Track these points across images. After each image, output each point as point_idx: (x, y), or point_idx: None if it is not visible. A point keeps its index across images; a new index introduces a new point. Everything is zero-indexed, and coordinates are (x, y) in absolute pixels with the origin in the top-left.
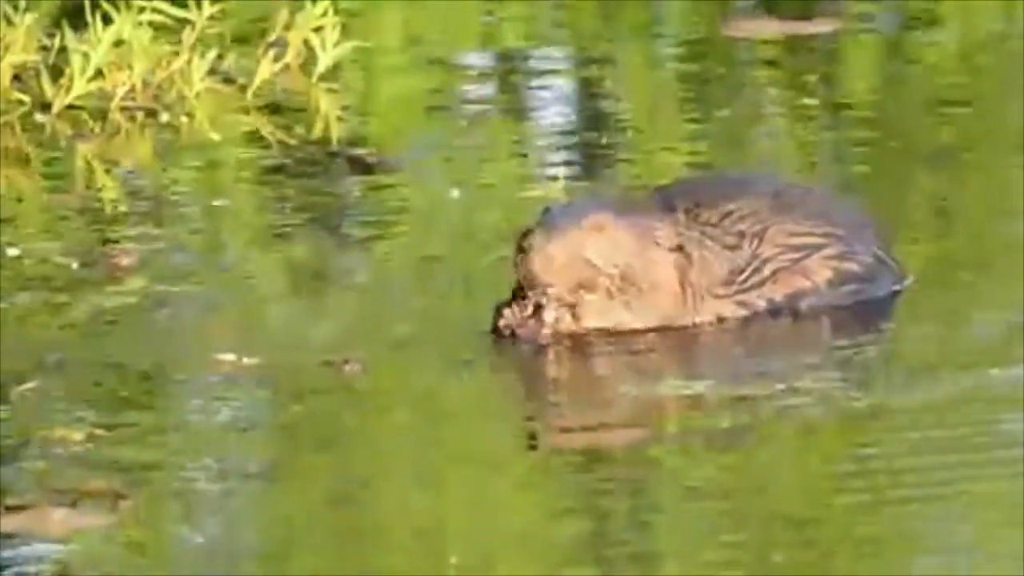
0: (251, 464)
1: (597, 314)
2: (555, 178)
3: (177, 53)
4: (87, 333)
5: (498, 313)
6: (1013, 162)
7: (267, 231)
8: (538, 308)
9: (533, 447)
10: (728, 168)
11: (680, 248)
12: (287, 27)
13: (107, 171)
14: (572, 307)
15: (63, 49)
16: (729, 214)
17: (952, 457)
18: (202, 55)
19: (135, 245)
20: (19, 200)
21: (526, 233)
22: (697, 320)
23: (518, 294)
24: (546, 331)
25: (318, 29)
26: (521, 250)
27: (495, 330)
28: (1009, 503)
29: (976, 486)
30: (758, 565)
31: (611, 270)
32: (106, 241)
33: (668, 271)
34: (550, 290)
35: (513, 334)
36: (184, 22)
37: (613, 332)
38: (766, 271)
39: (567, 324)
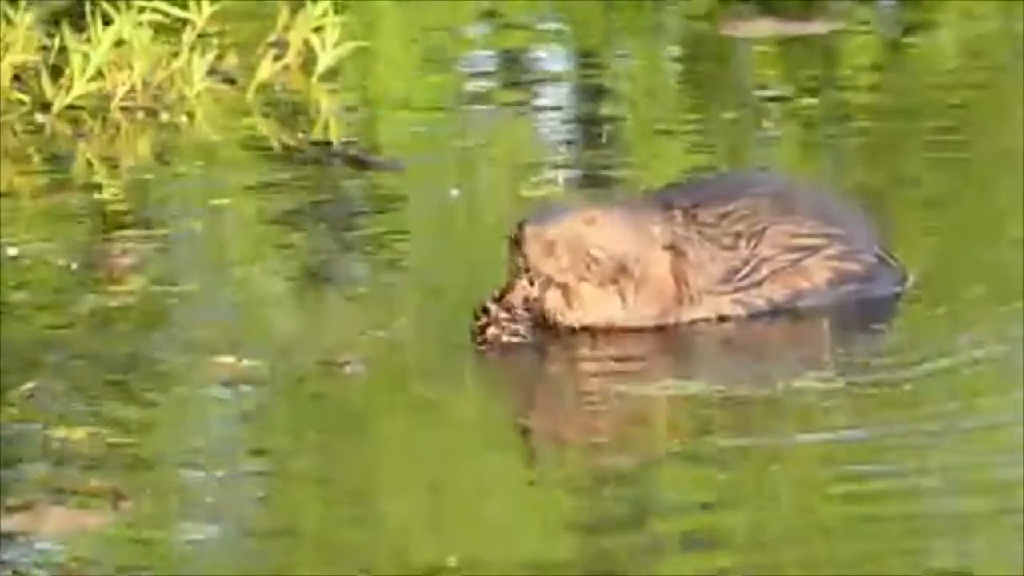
0: (251, 465)
1: (591, 308)
2: (555, 178)
3: (177, 53)
4: (87, 333)
5: (482, 324)
6: (1013, 161)
7: (266, 231)
8: (529, 297)
9: (531, 448)
10: (728, 168)
11: (672, 247)
12: (287, 27)
13: (107, 171)
14: (566, 290)
15: (63, 49)
16: (727, 214)
17: (954, 459)
18: (202, 55)
19: (135, 245)
20: (19, 200)
21: (521, 223)
22: (692, 319)
23: (502, 294)
24: (545, 313)
25: (318, 29)
26: (516, 239)
27: (480, 336)
28: (1011, 503)
29: (977, 488)
30: (759, 569)
31: (608, 261)
32: (106, 241)
33: (663, 270)
34: (544, 276)
35: (495, 339)
36: (184, 22)
37: (608, 330)
38: (764, 271)
39: (561, 320)
